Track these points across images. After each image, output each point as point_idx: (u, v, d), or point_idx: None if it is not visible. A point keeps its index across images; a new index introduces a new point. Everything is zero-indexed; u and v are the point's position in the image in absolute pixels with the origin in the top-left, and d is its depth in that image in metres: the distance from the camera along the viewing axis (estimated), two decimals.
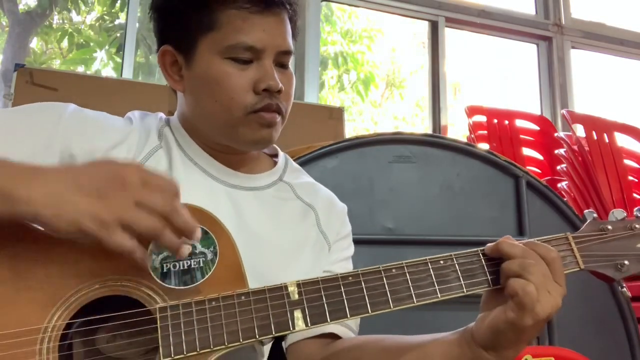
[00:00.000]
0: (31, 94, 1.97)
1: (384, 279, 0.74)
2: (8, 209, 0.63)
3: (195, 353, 0.68)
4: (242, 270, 0.75)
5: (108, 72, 4.00)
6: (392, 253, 1.57)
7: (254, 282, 0.75)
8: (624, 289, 0.83)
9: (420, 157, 1.66)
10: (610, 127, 2.84)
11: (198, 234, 0.69)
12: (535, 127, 3.20)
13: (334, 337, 0.89)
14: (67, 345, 0.71)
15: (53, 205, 0.63)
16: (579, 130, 2.81)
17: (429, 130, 3.33)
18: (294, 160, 1.06)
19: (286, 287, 0.73)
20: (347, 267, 0.99)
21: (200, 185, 0.88)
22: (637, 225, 0.80)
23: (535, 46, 3.77)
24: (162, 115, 0.96)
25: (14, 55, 3.75)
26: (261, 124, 0.87)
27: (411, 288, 0.74)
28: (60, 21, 4.25)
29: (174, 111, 0.97)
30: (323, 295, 0.73)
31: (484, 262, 0.77)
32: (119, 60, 3.63)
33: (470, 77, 4.18)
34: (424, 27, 3.56)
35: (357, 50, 4.86)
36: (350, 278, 0.74)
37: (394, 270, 0.75)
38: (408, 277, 0.75)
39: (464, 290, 0.75)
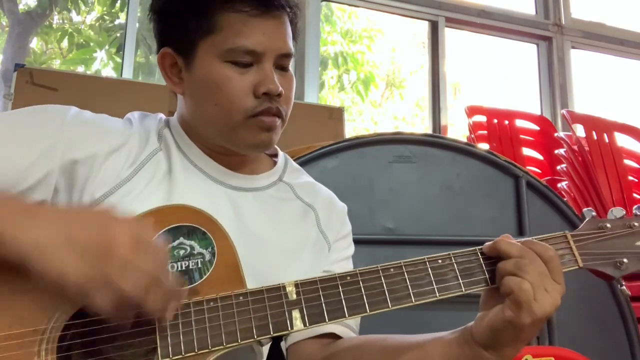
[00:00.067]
0: (31, 94, 1.97)
1: (382, 278, 0.74)
2: None
3: (193, 354, 0.68)
4: (240, 270, 0.75)
5: (108, 72, 4.01)
6: (392, 253, 1.57)
7: (254, 283, 0.75)
8: (623, 287, 0.83)
9: (420, 157, 1.67)
10: (610, 127, 2.84)
11: (184, 295, 0.69)
12: (535, 127, 3.20)
13: (334, 337, 0.89)
14: (66, 346, 0.71)
15: (40, 255, 0.62)
16: (579, 130, 2.81)
17: (429, 130, 3.33)
18: (294, 160, 1.06)
19: (284, 287, 0.73)
20: (347, 267, 0.98)
21: (200, 187, 0.88)
22: (636, 224, 0.80)
23: (535, 46, 3.77)
24: (161, 116, 0.96)
25: (14, 55, 3.75)
26: (261, 128, 0.86)
27: (409, 287, 0.74)
28: (60, 21, 4.25)
29: (174, 111, 0.96)
30: (321, 295, 0.73)
31: (482, 261, 0.77)
32: (119, 60, 3.63)
33: (470, 77, 4.18)
34: (424, 27, 3.56)
35: (357, 50, 4.86)
36: (348, 278, 0.74)
37: (392, 270, 0.75)
38: (406, 276, 0.75)
39: (462, 289, 0.75)
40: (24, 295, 0.68)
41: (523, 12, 3.73)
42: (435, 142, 1.70)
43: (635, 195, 2.71)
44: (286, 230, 0.92)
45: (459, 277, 0.76)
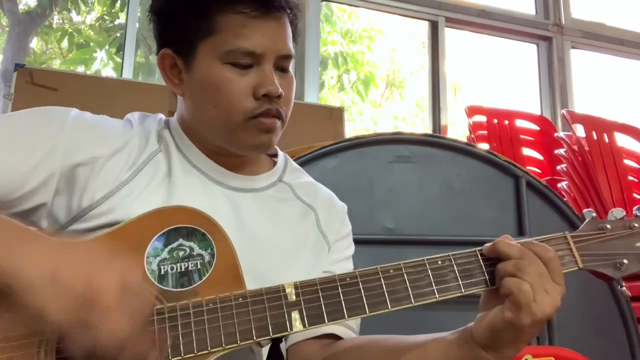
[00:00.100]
0: (31, 94, 1.98)
1: (382, 279, 0.74)
2: None
3: (192, 355, 0.68)
4: (239, 271, 0.75)
5: (108, 72, 4.01)
6: (392, 253, 1.57)
7: (254, 284, 0.75)
8: (623, 288, 0.83)
9: (420, 157, 1.66)
10: (610, 127, 2.84)
11: (165, 350, 0.67)
12: (535, 127, 3.20)
13: (334, 337, 0.89)
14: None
15: (24, 288, 0.61)
16: (579, 130, 2.81)
17: (429, 130, 3.33)
18: (294, 160, 1.06)
19: (284, 288, 0.73)
20: (347, 267, 0.98)
21: (199, 188, 0.88)
22: (636, 224, 0.80)
23: (535, 46, 3.77)
24: (161, 116, 0.96)
25: (14, 55, 3.75)
26: (261, 130, 0.86)
27: (409, 288, 0.74)
28: (60, 21, 4.26)
29: (174, 111, 0.96)
30: (321, 297, 0.72)
31: (481, 262, 0.77)
32: (119, 60, 3.63)
33: (470, 77, 4.18)
34: (424, 27, 3.57)
35: (357, 50, 4.86)
36: (347, 279, 0.74)
37: (391, 271, 0.75)
38: (406, 277, 0.75)
39: (462, 290, 0.75)
40: None
41: (523, 12, 3.73)
42: (435, 142, 1.70)
43: (635, 195, 2.71)
44: (286, 231, 0.92)
45: (459, 278, 0.75)
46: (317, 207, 0.97)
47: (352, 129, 4.61)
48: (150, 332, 0.66)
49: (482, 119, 3.10)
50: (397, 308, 0.73)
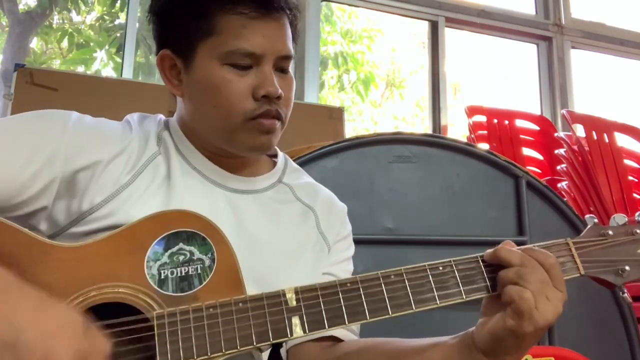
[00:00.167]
0: (31, 94, 1.98)
1: (383, 285, 0.74)
2: None
3: None
4: (240, 276, 0.75)
5: (108, 72, 4.01)
6: (392, 253, 1.57)
7: (254, 286, 0.75)
8: (625, 295, 0.82)
9: (420, 157, 1.66)
10: (610, 127, 2.84)
11: None
12: (535, 127, 3.20)
13: (335, 339, 0.89)
14: None
15: None
16: (579, 130, 2.81)
17: (429, 130, 3.33)
18: (294, 160, 1.05)
19: (284, 293, 0.72)
20: (347, 268, 0.98)
21: (199, 190, 0.88)
22: (638, 231, 0.79)
23: (535, 46, 3.77)
24: (161, 117, 0.96)
25: (14, 55, 3.75)
26: (260, 131, 0.86)
27: (410, 294, 0.74)
28: (60, 21, 4.25)
29: (174, 111, 0.96)
30: (321, 302, 0.72)
31: (483, 268, 0.77)
32: (119, 60, 3.63)
33: (470, 77, 4.18)
34: (424, 27, 3.56)
35: (357, 50, 4.86)
36: (348, 284, 0.74)
37: (392, 277, 0.75)
38: (407, 283, 0.74)
39: (463, 296, 0.75)
40: None
41: (523, 12, 3.73)
42: (435, 142, 1.70)
43: (635, 195, 2.71)
44: (286, 233, 0.92)
45: (460, 284, 0.75)
46: (317, 208, 0.97)
47: (352, 129, 4.61)
48: None
49: (482, 119, 3.10)
50: (398, 314, 0.73)
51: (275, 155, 1.01)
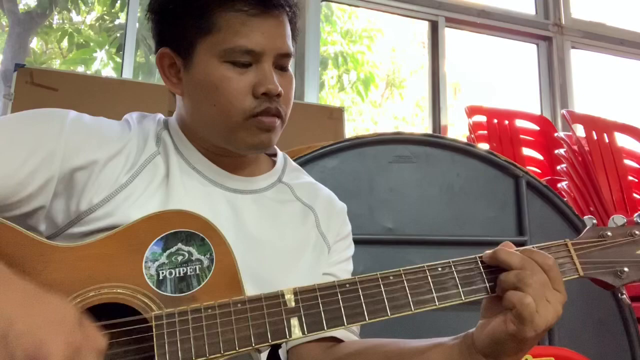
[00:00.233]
0: (31, 94, 1.97)
1: (382, 286, 0.74)
2: None
3: None
4: (238, 277, 0.75)
5: (108, 72, 4.01)
6: (392, 253, 1.57)
7: (253, 286, 0.75)
8: (624, 296, 0.82)
9: (420, 157, 1.66)
10: (610, 127, 2.84)
11: None
12: (535, 127, 3.20)
13: (335, 340, 0.89)
14: None
15: None
16: (579, 130, 2.81)
17: (429, 130, 3.33)
18: (294, 160, 1.05)
19: (283, 294, 0.72)
20: (347, 268, 0.98)
21: (199, 190, 0.87)
22: (637, 232, 0.79)
23: (535, 46, 3.77)
24: (160, 117, 0.95)
25: (14, 55, 3.75)
26: (260, 129, 0.86)
27: (409, 295, 0.74)
28: (60, 21, 4.25)
29: (173, 111, 0.96)
30: (320, 303, 0.72)
31: (482, 270, 0.76)
32: (119, 60, 3.64)
33: (470, 77, 4.18)
34: (424, 27, 3.56)
35: (357, 50, 4.87)
36: (347, 285, 0.73)
37: (391, 278, 0.75)
38: (406, 284, 0.74)
39: (462, 297, 0.75)
40: None
41: (523, 12, 3.73)
42: (435, 142, 1.70)
43: (635, 195, 2.71)
44: (286, 233, 0.92)
45: (459, 285, 0.75)
46: (317, 208, 0.97)
47: (352, 129, 4.62)
48: None
49: (482, 119, 3.10)
50: (397, 315, 0.73)
51: (275, 155, 1.01)
